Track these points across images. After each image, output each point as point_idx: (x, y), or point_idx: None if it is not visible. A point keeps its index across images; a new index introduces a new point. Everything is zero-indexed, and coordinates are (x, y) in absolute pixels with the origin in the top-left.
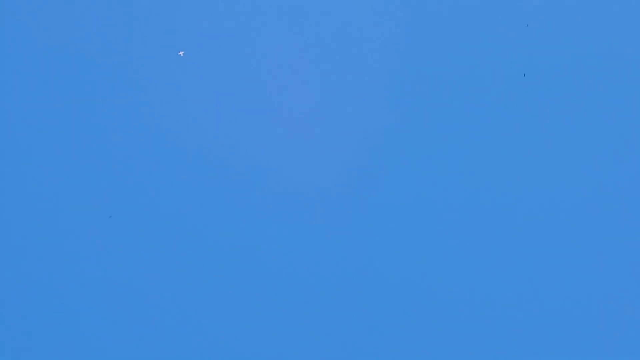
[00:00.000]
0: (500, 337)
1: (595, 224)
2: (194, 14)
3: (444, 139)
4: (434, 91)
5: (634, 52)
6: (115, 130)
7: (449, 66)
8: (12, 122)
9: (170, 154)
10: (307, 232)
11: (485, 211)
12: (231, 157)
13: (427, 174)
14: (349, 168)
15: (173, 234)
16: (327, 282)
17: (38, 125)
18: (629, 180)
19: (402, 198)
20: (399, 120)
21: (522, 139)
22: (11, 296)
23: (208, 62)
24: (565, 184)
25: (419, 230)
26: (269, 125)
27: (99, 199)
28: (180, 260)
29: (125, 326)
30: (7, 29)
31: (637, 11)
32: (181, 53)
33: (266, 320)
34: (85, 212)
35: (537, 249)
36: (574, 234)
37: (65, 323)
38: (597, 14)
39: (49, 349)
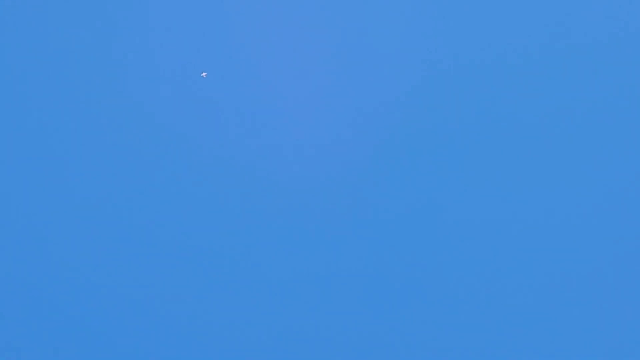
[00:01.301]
0: (500, 337)
1: (597, 225)
2: (195, 12)
3: (446, 139)
4: (436, 92)
5: (634, 52)
6: (113, 129)
7: (452, 67)
8: (15, 123)
9: (172, 155)
10: (307, 233)
11: (486, 212)
12: (233, 157)
13: (429, 174)
14: (350, 169)
15: (174, 235)
16: (327, 283)
17: (35, 125)
18: (629, 181)
19: (404, 199)
20: (399, 121)
21: (524, 140)
22: (9, 297)
23: (209, 62)
24: (567, 188)
25: (420, 231)
26: (269, 126)
27: (97, 199)
28: (182, 262)
29: (124, 327)
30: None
31: (637, 11)
32: (204, 74)
33: (266, 320)
34: (83, 213)
35: (539, 250)
36: (577, 237)
37: (63, 324)
38: (598, 14)
39: (47, 349)
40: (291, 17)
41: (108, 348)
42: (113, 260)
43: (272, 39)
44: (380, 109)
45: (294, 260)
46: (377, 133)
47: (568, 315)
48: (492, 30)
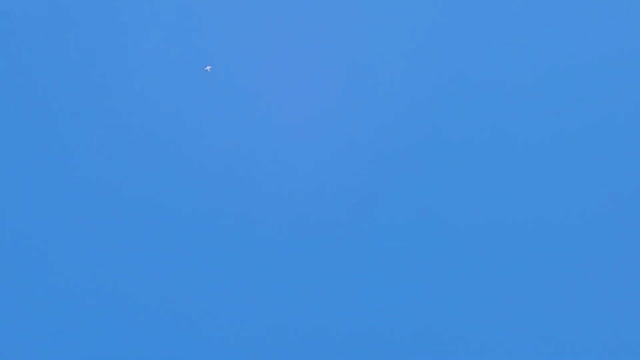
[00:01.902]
0: (501, 338)
1: (599, 227)
2: (197, 13)
3: (451, 146)
4: (438, 94)
5: (634, 52)
6: (112, 129)
7: (454, 70)
8: (19, 123)
9: (176, 154)
10: (309, 236)
11: (488, 215)
12: (234, 159)
13: (432, 180)
14: (352, 172)
15: (174, 236)
16: (329, 286)
17: (34, 125)
18: (630, 182)
19: (407, 205)
20: (401, 122)
21: (530, 150)
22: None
23: (211, 62)
24: (571, 198)
25: (423, 237)
26: (270, 127)
27: (96, 199)
28: (183, 264)
29: (124, 328)
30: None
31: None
32: (208, 68)
33: (266, 321)
34: (84, 213)
35: (541, 256)
36: (578, 244)
37: (62, 325)
38: (599, 14)
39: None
40: (297, 20)
41: (107, 349)
42: (113, 262)
43: (275, 38)
44: (383, 114)
45: (295, 264)
46: (379, 136)
47: (569, 318)
48: (498, 39)
